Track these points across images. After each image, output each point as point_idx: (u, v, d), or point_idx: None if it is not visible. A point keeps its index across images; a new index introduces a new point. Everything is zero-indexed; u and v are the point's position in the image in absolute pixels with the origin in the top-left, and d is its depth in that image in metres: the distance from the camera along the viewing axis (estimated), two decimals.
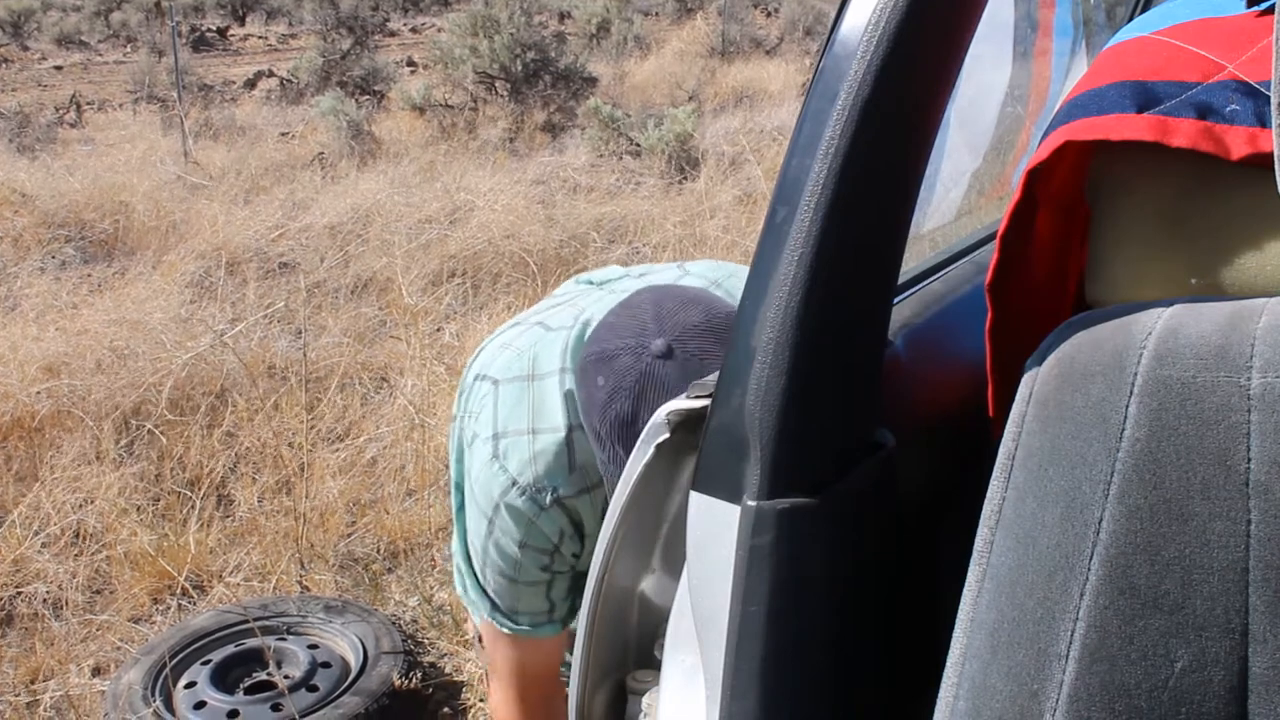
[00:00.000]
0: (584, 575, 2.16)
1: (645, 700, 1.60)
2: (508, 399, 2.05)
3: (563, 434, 1.99)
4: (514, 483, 2.00)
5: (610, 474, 1.85)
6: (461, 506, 2.14)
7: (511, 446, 2.01)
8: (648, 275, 2.21)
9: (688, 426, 1.37)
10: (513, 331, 2.17)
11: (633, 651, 1.66)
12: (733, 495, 1.23)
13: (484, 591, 2.15)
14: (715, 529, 1.24)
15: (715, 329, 1.80)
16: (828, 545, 1.25)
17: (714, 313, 1.83)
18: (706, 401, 1.30)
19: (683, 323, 1.80)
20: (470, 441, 2.08)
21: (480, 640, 2.50)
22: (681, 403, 1.37)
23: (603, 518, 2.04)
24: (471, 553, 2.12)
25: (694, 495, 1.27)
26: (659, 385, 1.75)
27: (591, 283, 2.27)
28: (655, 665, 1.59)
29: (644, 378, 1.76)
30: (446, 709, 3.57)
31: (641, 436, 1.41)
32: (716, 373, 1.27)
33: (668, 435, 1.38)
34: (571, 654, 2.25)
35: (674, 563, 1.51)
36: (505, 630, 2.18)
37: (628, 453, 1.76)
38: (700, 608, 1.29)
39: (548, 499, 2.00)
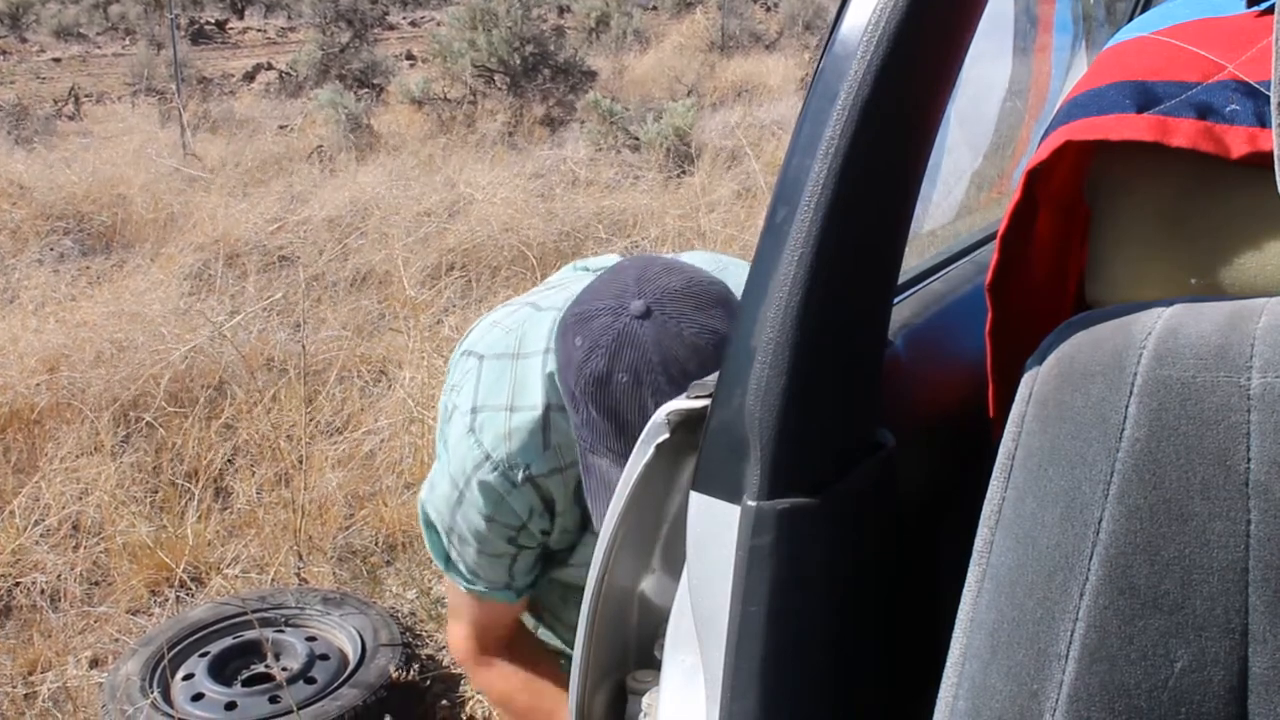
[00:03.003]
0: (553, 553, 2.18)
1: (645, 700, 1.59)
2: (490, 374, 2.06)
3: (539, 412, 2.00)
4: (487, 457, 2.01)
5: (583, 437, 1.86)
6: (434, 472, 2.15)
7: (488, 421, 2.02)
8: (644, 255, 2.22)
9: (688, 426, 1.37)
10: (503, 311, 2.19)
11: (633, 651, 1.66)
12: (733, 495, 1.23)
13: (444, 551, 2.16)
14: (715, 529, 1.24)
15: (695, 294, 1.81)
16: (828, 545, 1.25)
17: (695, 280, 1.84)
18: (706, 401, 1.30)
19: (663, 286, 1.81)
20: (449, 414, 2.10)
21: None
22: (681, 403, 1.37)
23: (574, 497, 2.06)
24: (434, 517, 2.13)
25: (694, 495, 1.27)
26: (635, 344, 1.75)
27: (588, 269, 2.28)
28: (655, 665, 1.58)
29: (620, 336, 1.76)
30: (444, 701, 3.57)
31: (641, 436, 1.41)
32: (716, 373, 1.27)
33: (668, 435, 1.39)
34: (571, 645, 2.27)
35: (674, 563, 1.51)
36: (461, 587, 2.19)
37: (599, 412, 1.78)
38: (700, 608, 1.29)
39: (519, 476, 2.01)
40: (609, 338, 1.77)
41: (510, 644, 2.31)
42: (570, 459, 2.01)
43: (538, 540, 2.12)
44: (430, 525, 2.15)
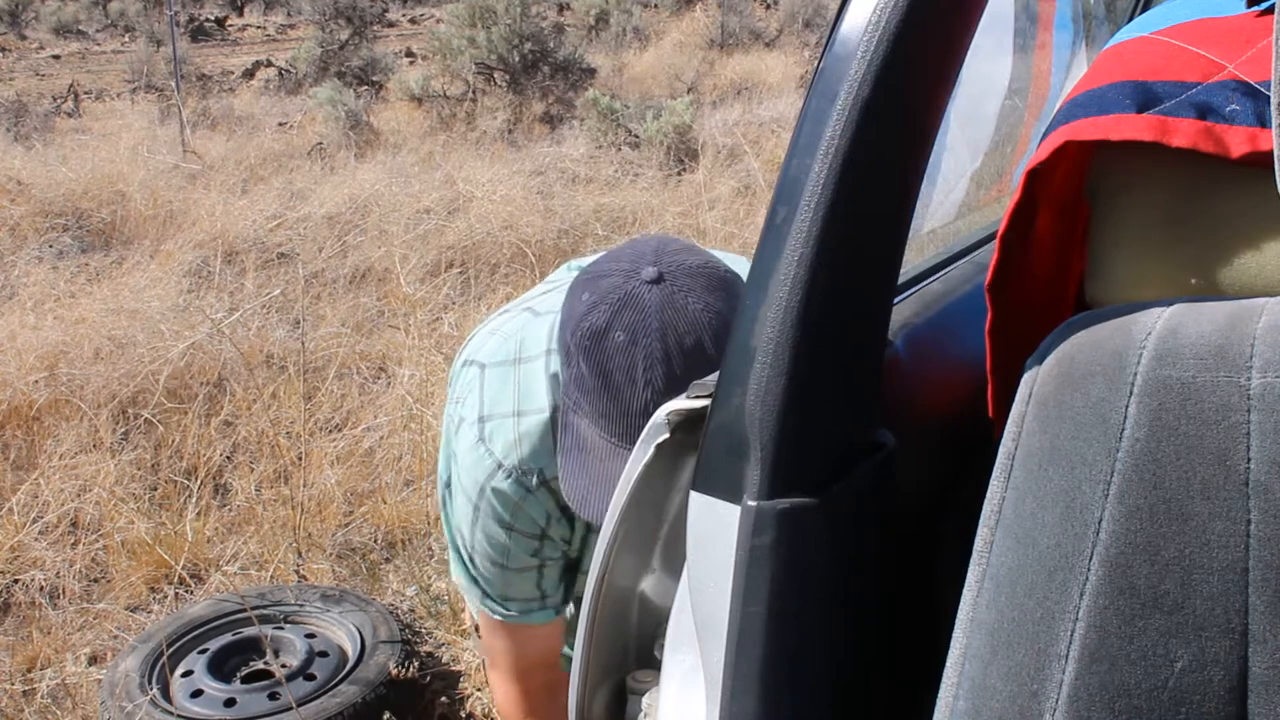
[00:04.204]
0: (576, 564, 2.17)
1: (645, 700, 1.59)
2: (493, 382, 2.05)
3: (547, 414, 1.99)
4: (499, 465, 2.00)
5: (569, 393, 1.86)
6: (447, 492, 2.14)
7: (497, 429, 2.01)
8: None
9: (688, 426, 1.37)
10: (502, 318, 2.18)
11: (633, 651, 1.66)
12: (733, 495, 1.23)
13: (474, 580, 2.15)
14: (715, 529, 1.24)
15: (708, 275, 1.81)
16: (828, 545, 1.25)
17: (712, 263, 1.85)
18: (706, 401, 1.30)
19: (680, 261, 1.82)
20: (457, 426, 2.08)
21: (477, 630, 2.50)
22: (681, 403, 1.37)
23: None
24: (459, 540, 2.12)
25: (694, 495, 1.27)
26: (639, 306, 1.76)
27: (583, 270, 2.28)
28: (655, 665, 1.58)
29: (627, 296, 1.77)
30: (444, 698, 3.57)
31: (642, 436, 1.41)
32: (716, 372, 1.27)
33: (668, 435, 1.39)
34: (571, 646, 2.26)
35: (674, 563, 1.51)
36: (497, 617, 2.18)
37: (589, 367, 1.78)
38: (700, 608, 1.29)
39: (534, 481, 2.00)
40: (615, 296, 1.77)
41: (554, 688, 2.29)
42: None
43: (560, 550, 2.10)
44: (457, 550, 2.15)
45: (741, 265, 2.19)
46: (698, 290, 1.78)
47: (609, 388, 1.77)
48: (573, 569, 2.20)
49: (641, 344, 1.74)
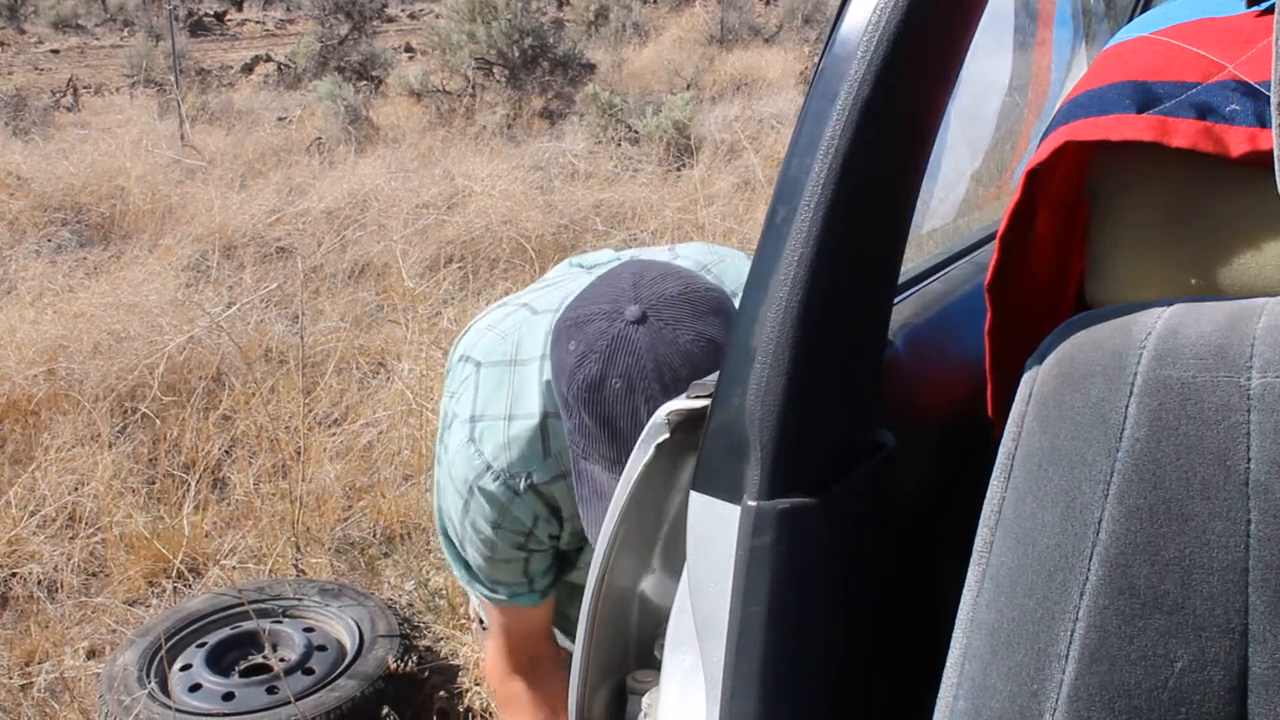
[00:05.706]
0: (566, 554, 2.18)
1: (645, 700, 1.59)
2: (488, 382, 2.06)
3: (537, 420, 2.00)
4: (488, 467, 2.01)
5: (575, 442, 1.85)
6: (439, 481, 2.15)
7: (487, 431, 2.02)
8: (640, 258, 2.21)
9: (688, 426, 1.37)
10: (499, 313, 2.17)
11: (633, 651, 1.66)
12: (733, 495, 1.23)
13: (464, 564, 2.17)
14: (715, 529, 1.24)
15: (692, 300, 1.79)
16: (828, 545, 1.25)
17: (692, 286, 1.82)
18: (706, 401, 1.30)
19: (660, 292, 1.79)
20: (449, 422, 2.09)
21: (481, 623, 2.51)
22: (681, 403, 1.37)
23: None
24: (449, 528, 2.14)
25: (694, 495, 1.27)
26: (629, 349, 1.74)
27: (583, 266, 2.27)
28: (655, 665, 1.58)
29: (615, 342, 1.75)
30: (442, 692, 3.57)
31: (641, 436, 1.41)
32: (716, 373, 1.27)
33: (668, 435, 1.39)
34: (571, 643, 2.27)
35: (674, 563, 1.51)
36: (485, 598, 2.21)
37: (592, 418, 1.76)
38: (700, 608, 1.29)
39: (521, 484, 2.01)
40: (603, 343, 1.75)
41: (538, 662, 2.33)
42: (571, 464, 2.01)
43: (547, 545, 2.12)
44: (446, 535, 2.16)
45: (734, 260, 2.19)
46: (685, 320, 1.76)
47: (616, 436, 1.76)
48: (562, 558, 2.22)
49: (640, 388, 1.73)
